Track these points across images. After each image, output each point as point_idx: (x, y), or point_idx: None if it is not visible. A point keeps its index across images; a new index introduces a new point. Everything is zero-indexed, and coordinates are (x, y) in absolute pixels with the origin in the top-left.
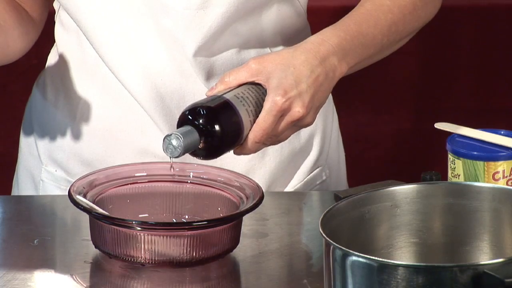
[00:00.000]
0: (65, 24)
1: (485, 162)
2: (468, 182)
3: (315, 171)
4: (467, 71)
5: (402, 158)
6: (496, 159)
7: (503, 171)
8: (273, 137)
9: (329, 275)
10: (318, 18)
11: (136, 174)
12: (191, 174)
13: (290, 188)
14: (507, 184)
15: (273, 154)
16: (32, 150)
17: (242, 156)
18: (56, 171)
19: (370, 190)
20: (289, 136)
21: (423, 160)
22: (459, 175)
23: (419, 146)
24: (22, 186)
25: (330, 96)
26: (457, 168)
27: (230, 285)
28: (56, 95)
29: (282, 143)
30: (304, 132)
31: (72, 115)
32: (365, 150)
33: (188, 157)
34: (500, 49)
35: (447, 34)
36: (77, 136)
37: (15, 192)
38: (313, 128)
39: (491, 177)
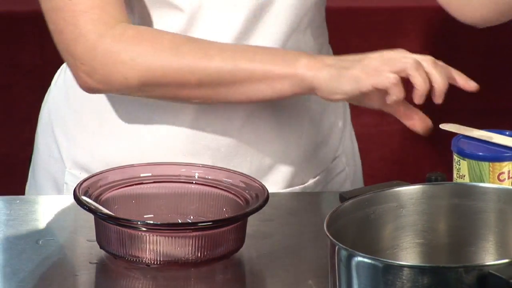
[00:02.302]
0: None
1: (490, 163)
2: (473, 183)
3: (335, 160)
4: (472, 72)
5: (407, 158)
6: (501, 159)
7: (508, 171)
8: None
9: (334, 275)
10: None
11: (142, 175)
12: (196, 174)
13: (313, 179)
14: None
15: (296, 144)
16: (52, 153)
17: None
18: (80, 173)
19: (376, 191)
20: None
21: (428, 160)
22: (464, 176)
23: (424, 147)
24: (44, 189)
25: None
26: (462, 168)
27: (235, 286)
28: (81, 98)
29: (304, 133)
30: (328, 122)
31: (98, 117)
32: (369, 150)
33: (194, 159)
34: (505, 49)
35: (451, 34)
36: (103, 138)
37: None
38: (333, 120)
39: (496, 177)
